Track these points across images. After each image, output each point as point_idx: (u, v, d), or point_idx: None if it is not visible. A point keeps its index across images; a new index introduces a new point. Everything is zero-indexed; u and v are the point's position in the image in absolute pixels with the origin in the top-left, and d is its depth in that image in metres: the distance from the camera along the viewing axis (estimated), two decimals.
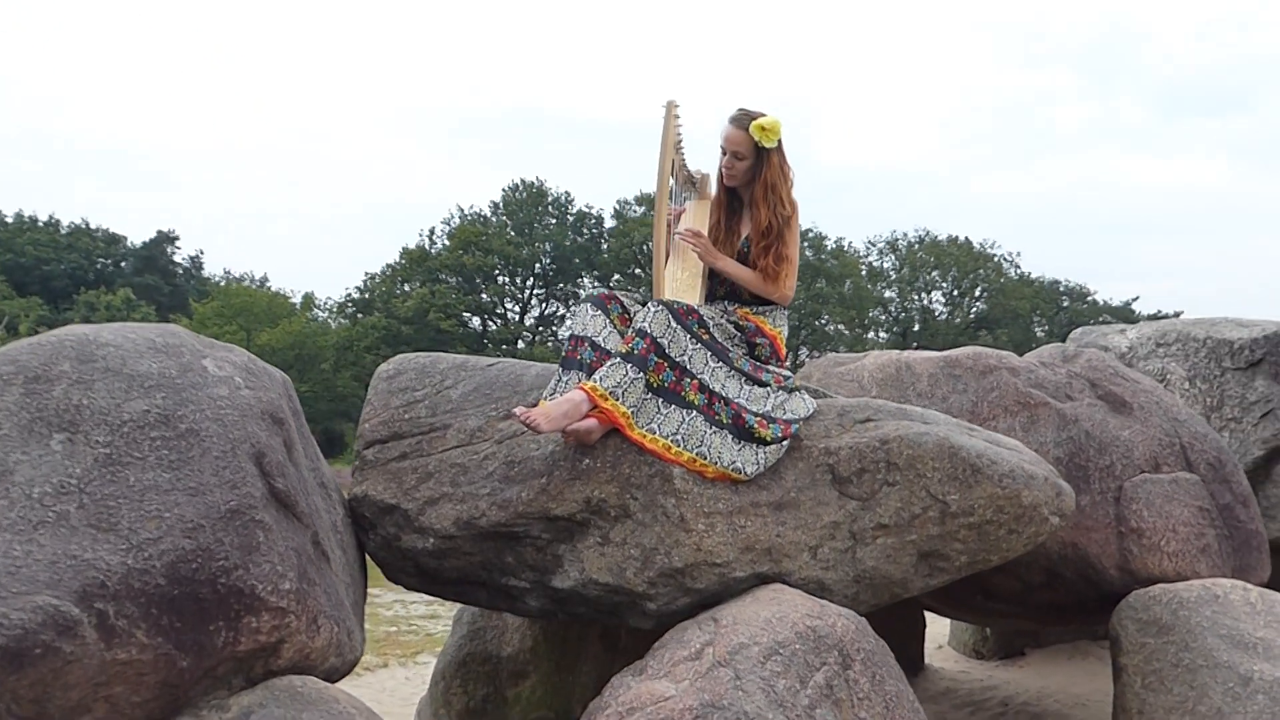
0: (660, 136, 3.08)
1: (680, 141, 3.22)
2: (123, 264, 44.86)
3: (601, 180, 72.69)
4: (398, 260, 38.30)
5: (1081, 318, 43.32)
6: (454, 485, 2.91)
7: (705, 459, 2.81)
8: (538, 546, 2.89)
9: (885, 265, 44.09)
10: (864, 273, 41.70)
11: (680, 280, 3.25)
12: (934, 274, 43.53)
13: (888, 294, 43.44)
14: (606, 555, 2.83)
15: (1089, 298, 44.67)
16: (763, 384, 3.04)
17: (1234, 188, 67.99)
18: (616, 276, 39.36)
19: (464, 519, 2.87)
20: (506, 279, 39.40)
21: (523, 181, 40.67)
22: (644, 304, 3.22)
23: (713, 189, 3.49)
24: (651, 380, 2.85)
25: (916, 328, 42.77)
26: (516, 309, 40.02)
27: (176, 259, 48.33)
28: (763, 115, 3.23)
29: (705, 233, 3.30)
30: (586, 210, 40.73)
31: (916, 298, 44.14)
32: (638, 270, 39.38)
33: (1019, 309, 41.65)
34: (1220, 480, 3.90)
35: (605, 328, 3.04)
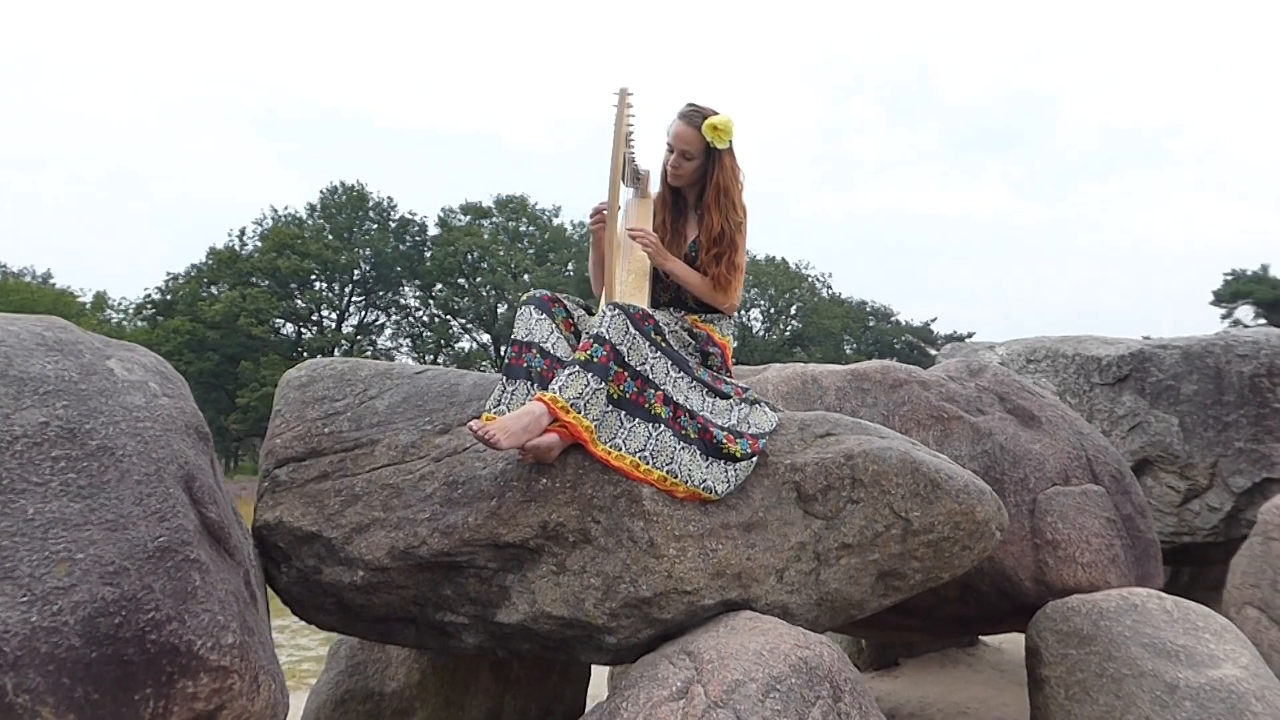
0: (613, 126, 2.82)
1: (631, 133, 2.99)
2: None
3: (426, 188, 70.91)
4: (204, 261, 35.90)
5: (886, 336, 45.95)
6: (387, 509, 2.54)
7: (676, 477, 2.58)
8: (482, 577, 2.57)
9: None
10: (739, 305, 42.44)
11: (626, 283, 3.01)
12: (753, 292, 44.97)
13: None
14: (562, 585, 2.54)
15: (893, 318, 47.34)
16: (725, 395, 2.84)
17: (1012, 217, 74.00)
18: (439, 286, 38.40)
19: (400, 548, 2.51)
20: (324, 284, 37.66)
21: (342, 184, 39.10)
22: (587, 308, 2.96)
23: (654, 187, 3.27)
24: (612, 391, 2.59)
25: (736, 344, 43.95)
26: (334, 316, 38.29)
27: None
28: (715, 113, 3.04)
29: (650, 229, 3.08)
30: (410, 217, 39.57)
31: (736, 315, 45.35)
32: (462, 280, 38.57)
33: (830, 328, 43.65)
34: (1122, 491, 4.02)
35: (552, 333, 2.76)
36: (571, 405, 2.48)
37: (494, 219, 40.41)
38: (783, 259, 44.41)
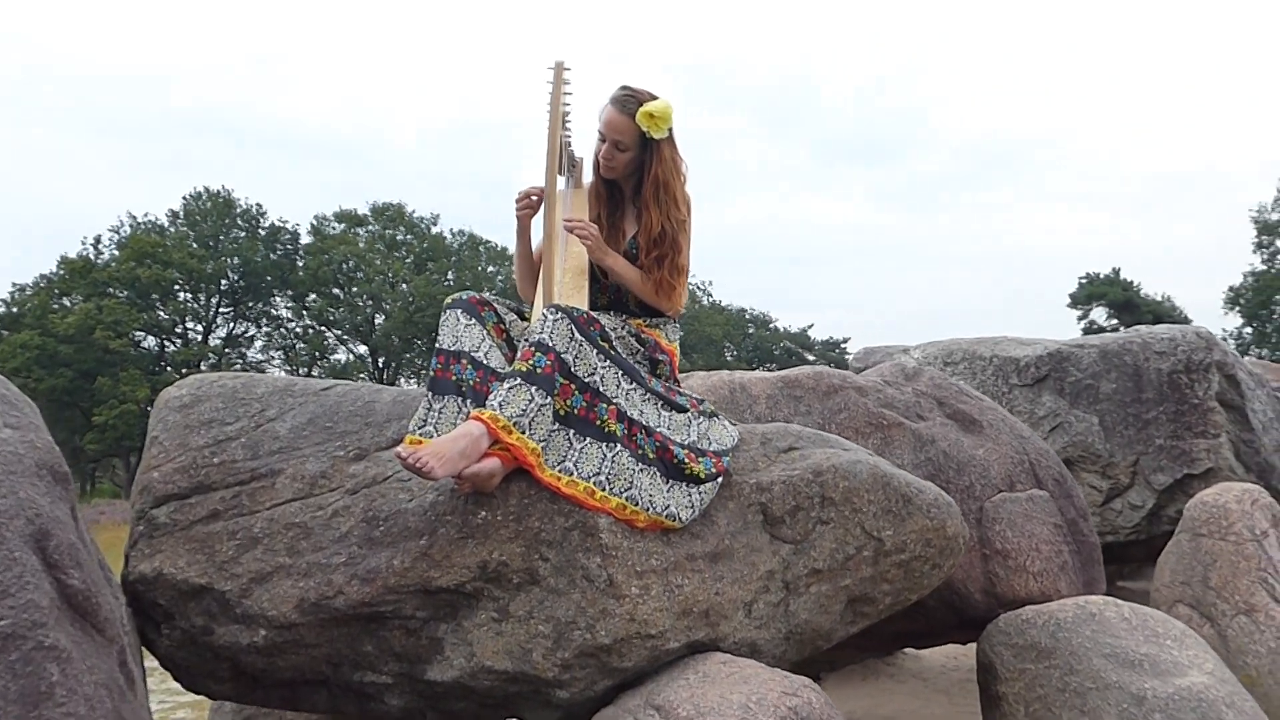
0: (548, 104, 2.48)
1: (568, 114, 2.65)
2: None
3: (296, 195, 68.26)
4: (55, 271, 33.58)
5: (766, 343, 46.68)
6: (293, 553, 2.13)
7: (636, 504, 2.25)
8: (410, 629, 2.18)
9: None
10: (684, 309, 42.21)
11: (562, 281, 2.67)
12: None
13: None
14: (505, 635, 2.18)
15: (771, 324, 48.11)
16: (681, 408, 2.53)
17: (877, 226, 76.50)
18: (313, 296, 36.94)
19: (310, 599, 2.10)
20: (188, 295, 35.72)
21: (207, 190, 37.22)
22: (519, 312, 2.60)
23: (588, 177, 2.94)
24: (559, 407, 2.25)
25: None
26: (200, 328, 36.35)
27: None
28: (652, 98, 2.72)
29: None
30: (280, 225, 37.93)
31: None
32: (337, 290, 37.20)
33: (712, 335, 44.02)
34: (1065, 495, 3.90)
35: (484, 340, 2.39)
36: (514, 424, 2.13)
37: (370, 227, 39.16)
38: None
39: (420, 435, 2.24)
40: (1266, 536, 4.14)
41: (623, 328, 2.59)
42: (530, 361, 2.22)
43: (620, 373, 2.40)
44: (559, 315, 2.31)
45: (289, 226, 38.20)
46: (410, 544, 2.14)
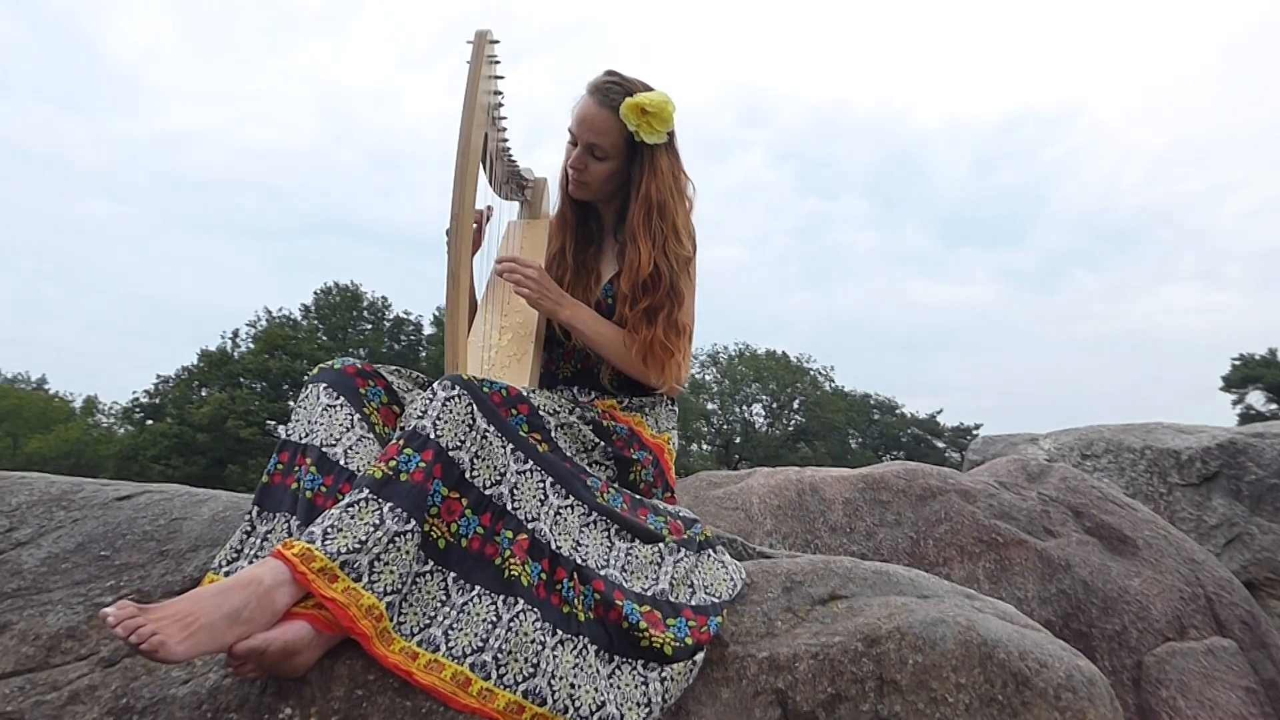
0: (464, 89, 1.72)
1: (501, 104, 1.89)
2: None
3: (420, 288, 70.77)
4: (195, 363, 35.16)
5: (892, 429, 44.65)
6: None
7: (544, 704, 1.38)
8: None
9: (707, 378, 44.20)
10: (686, 385, 41.53)
11: (498, 346, 1.88)
12: (754, 387, 44.01)
13: (710, 406, 43.47)
14: None
15: (898, 410, 46.17)
16: (651, 536, 1.66)
17: (1009, 310, 73.28)
18: None
19: None
20: None
21: (336, 285, 38.55)
22: (426, 386, 1.81)
23: (552, 204, 2.17)
24: (435, 534, 1.43)
25: (738, 439, 42.93)
26: None
27: None
28: (646, 89, 1.95)
29: (542, 265, 1.96)
30: (404, 316, 38.93)
31: (738, 410, 44.48)
32: None
33: (835, 421, 42.50)
34: (1259, 645, 2.80)
35: (351, 429, 1.60)
36: (341, 566, 1.32)
37: None
38: (783, 352, 43.55)
39: (223, 573, 1.45)
40: None
41: (572, 410, 1.75)
42: (393, 463, 1.42)
43: (549, 481, 1.57)
44: (455, 391, 1.51)
45: (412, 318, 39.15)
46: None
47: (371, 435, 1.62)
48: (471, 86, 1.72)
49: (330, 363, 1.69)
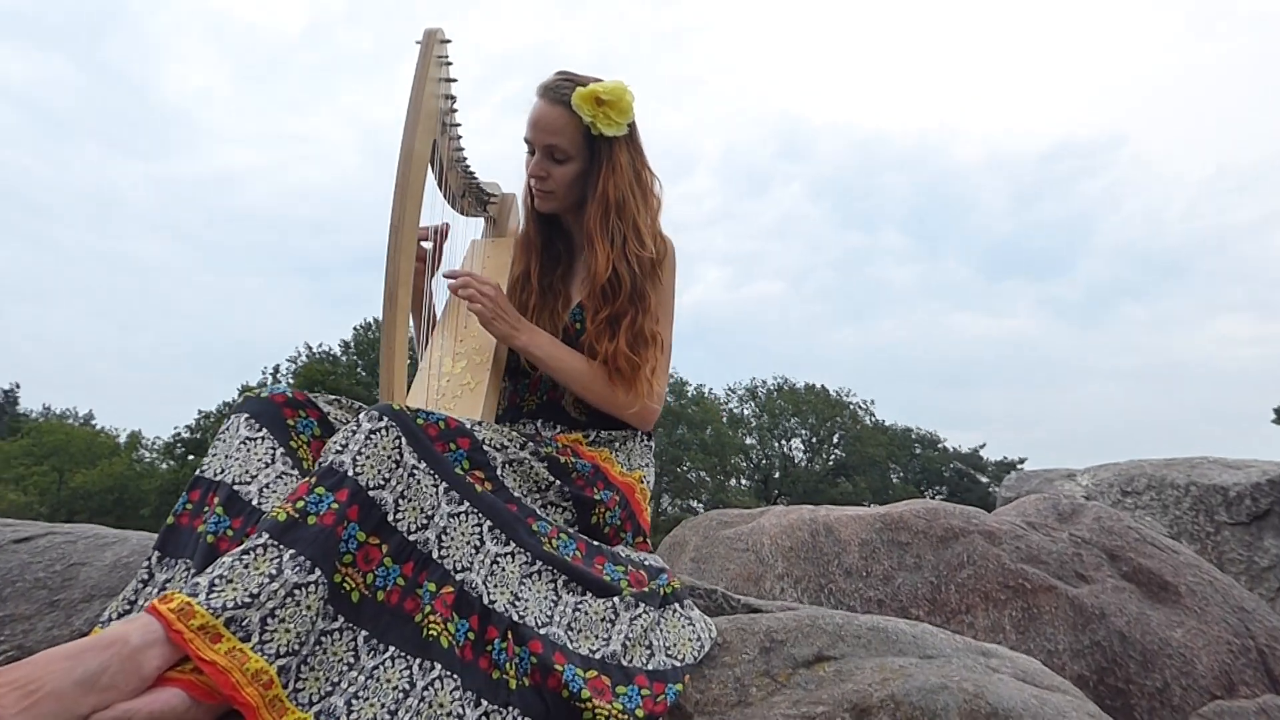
0: (409, 94, 1.57)
1: (454, 109, 1.74)
2: None
3: None
4: (236, 399, 35.68)
5: (934, 464, 43.87)
6: None
7: None
8: None
9: (746, 412, 43.84)
10: (725, 419, 41.17)
11: (450, 374, 1.71)
12: (793, 421, 43.56)
13: (748, 441, 43.06)
14: None
15: (939, 445, 45.42)
16: (605, 589, 1.46)
17: (1054, 343, 72.10)
18: None
19: None
20: None
21: (376, 321, 38.81)
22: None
23: (519, 221, 2.01)
24: (348, 586, 1.25)
25: (777, 474, 42.45)
26: None
27: None
28: (596, 80, 1.80)
29: (502, 287, 1.80)
30: None
31: (777, 445, 44.02)
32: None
33: (875, 456, 41.89)
34: None
35: (271, 464, 1.43)
36: (227, 623, 1.14)
37: None
38: (822, 386, 43.04)
39: (112, 623, 1.28)
40: None
41: (525, 446, 1.56)
42: (300, 504, 1.24)
43: (487, 525, 1.38)
44: (381, 423, 1.34)
45: None
46: None
47: (296, 472, 1.45)
48: (417, 88, 1.57)
49: (257, 390, 1.53)
